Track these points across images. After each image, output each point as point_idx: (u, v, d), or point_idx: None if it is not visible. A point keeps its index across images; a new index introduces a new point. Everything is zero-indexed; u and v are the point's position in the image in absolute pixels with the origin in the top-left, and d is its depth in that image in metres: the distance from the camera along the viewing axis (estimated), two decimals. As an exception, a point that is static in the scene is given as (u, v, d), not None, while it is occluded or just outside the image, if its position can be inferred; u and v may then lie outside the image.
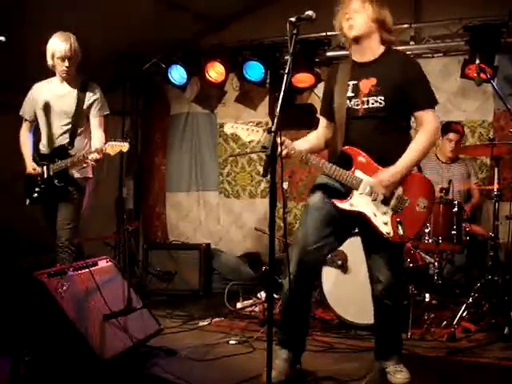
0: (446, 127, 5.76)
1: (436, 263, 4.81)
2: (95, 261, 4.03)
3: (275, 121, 2.76)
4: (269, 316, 2.69)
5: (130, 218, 7.45)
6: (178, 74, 6.93)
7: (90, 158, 4.27)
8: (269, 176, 2.67)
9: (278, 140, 2.74)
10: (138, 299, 4.12)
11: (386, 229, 3.19)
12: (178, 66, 6.85)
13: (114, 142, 4.30)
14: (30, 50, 4.35)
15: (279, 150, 2.91)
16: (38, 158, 4.54)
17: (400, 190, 3.23)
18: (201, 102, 7.28)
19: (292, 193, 6.80)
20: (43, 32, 4.37)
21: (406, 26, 6.27)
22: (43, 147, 4.56)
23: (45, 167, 4.45)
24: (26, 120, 4.61)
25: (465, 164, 5.77)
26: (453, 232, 4.72)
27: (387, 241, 3.21)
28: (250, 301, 5.57)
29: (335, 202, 3.24)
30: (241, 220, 7.37)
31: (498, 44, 5.76)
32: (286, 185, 4.92)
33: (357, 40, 3.28)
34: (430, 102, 3.30)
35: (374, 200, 3.20)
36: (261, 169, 6.98)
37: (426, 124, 3.25)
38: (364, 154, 3.23)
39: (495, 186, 4.60)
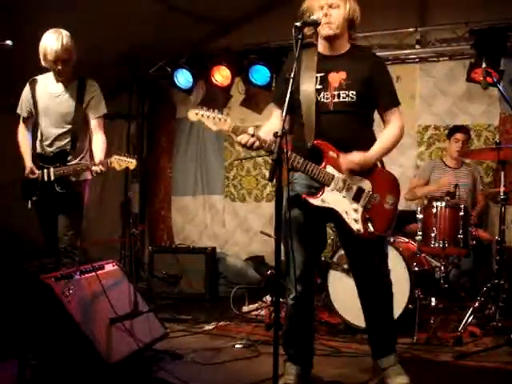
0: (453, 129, 5.80)
1: (442, 267, 4.79)
2: (101, 264, 4.03)
3: (281, 125, 2.74)
4: (275, 320, 2.69)
5: (136, 221, 7.46)
6: (183, 78, 6.95)
7: (93, 169, 4.20)
8: (275, 180, 2.66)
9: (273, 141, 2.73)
10: (143, 303, 4.12)
11: (356, 226, 3.16)
12: (184, 70, 6.88)
13: (120, 157, 4.25)
14: (31, 51, 4.25)
15: (251, 141, 2.96)
16: (39, 159, 4.34)
17: (369, 187, 3.20)
18: (206, 105, 7.26)
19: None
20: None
21: (411, 29, 6.30)
22: (41, 148, 4.38)
23: (45, 170, 4.27)
24: (23, 118, 4.40)
25: (471, 169, 5.77)
26: (459, 236, 4.72)
27: (359, 238, 3.20)
28: (256, 304, 5.57)
29: (307, 198, 3.17)
30: (246, 223, 7.38)
31: (504, 47, 5.76)
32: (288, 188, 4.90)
33: (328, 38, 3.19)
34: (397, 103, 3.28)
35: (345, 197, 3.16)
36: (266, 172, 6.99)
37: (394, 121, 3.24)
38: (335, 149, 3.16)
39: (501, 190, 4.59)
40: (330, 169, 3.16)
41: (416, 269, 4.73)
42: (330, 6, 3.11)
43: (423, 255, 4.97)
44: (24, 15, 4.38)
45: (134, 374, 3.70)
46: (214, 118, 3.10)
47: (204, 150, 7.56)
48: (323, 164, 3.15)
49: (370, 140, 3.26)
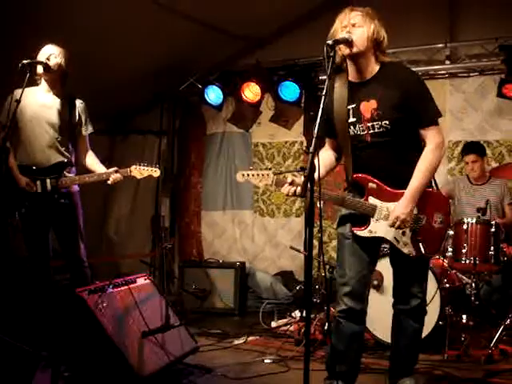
0: (463, 149, 5.73)
1: (473, 284, 4.75)
2: (134, 278, 4.09)
3: (313, 141, 2.74)
4: (306, 335, 2.71)
5: (166, 236, 7.53)
6: (214, 94, 7.02)
7: (112, 178, 4.21)
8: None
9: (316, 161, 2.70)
10: (175, 317, 4.16)
11: (407, 249, 3.19)
12: (215, 87, 6.95)
13: (141, 166, 4.29)
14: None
15: (292, 190, 3.11)
16: (26, 171, 4.19)
17: (414, 210, 3.19)
18: (236, 121, 7.36)
19: (327, 212, 6.82)
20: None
21: (441, 45, 6.29)
22: (26, 160, 4.22)
23: (38, 182, 4.16)
24: (8, 126, 3.81)
25: (498, 183, 5.67)
26: (490, 252, 4.66)
27: (418, 261, 3.23)
28: (285, 320, 5.57)
29: (354, 231, 3.23)
30: (275, 239, 7.41)
31: (534, 63, 5.72)
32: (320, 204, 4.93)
33: (352, 58, 3.15)
34: (433, 119, 3.21)
35: (392, 225, 3.16)
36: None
37: (429, 141, 3.19)
38: (374, 180, 3.19)
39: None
40: (371, 200, 3.20)
41: (447, 285, 4.71)
42: (353, 26, 3.11)
43: (454, 272, 4.93)
44: (59, 35, 4.48)
45: (165, 388, 3.75)
46: (258, 175, 3.29)
47: (233, 165, 7.62)
48: (365, 196, 3.21)
49: (412, 163, 3.19)
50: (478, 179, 5.61)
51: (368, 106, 3.16)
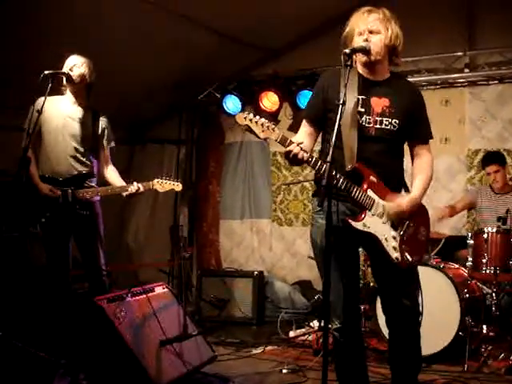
0: (484, 160, 5.68)
1: (494, 294, 4.70)
2: (152, 287, 4.10)
3: (330, 150, 2.73)
4: (324, 345, 2.69)
5: (185, 245, 7.54)
6: (232, 104, 7.04)
7: (131, 189, 4.22)
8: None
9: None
10: (193, 326, 4.17)
11: (395, 254, 3.07)
12: (233, 96, 6.97)
13: (164, 180, 4.31)
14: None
15: (301, 153, 2.89)
16: (49, 183, 4.21)
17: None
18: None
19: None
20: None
21: (460, 53, 6.27)
22: (48, 170, 4.25)
23: (59, 193, 4.17)
24: (29, 135, 3.82)
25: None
26: (511, 262, 4.61)
27: (396, 265, 3.10)
28: (303, 330, 5.55)
29: (350, 221, 3.05)
30: (293, 248, 7.39)
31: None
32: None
33: (368, 64, 3.09)
34: (429, 137, 3.24)
35: (384, 223, 3.08)
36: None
37: (426, 157, 3.20)
38: (375, 175, 3.08)
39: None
40: (370, 193, 3.07)
41: (467, 295, 4.65)
42: (371, 32, 3.04)
43: (474, 282, 4.88)
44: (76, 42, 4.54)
45: (183, 397, 3.75)
46: (262, 125, 2.94)
47: (252, 174, 7.64)
48: (364, 187, 3.06)
49: (401, 172, 3.22)
50: (501, 189, 5.56)
51: (379, 102, 3.10)
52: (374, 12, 3.08)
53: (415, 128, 3.16)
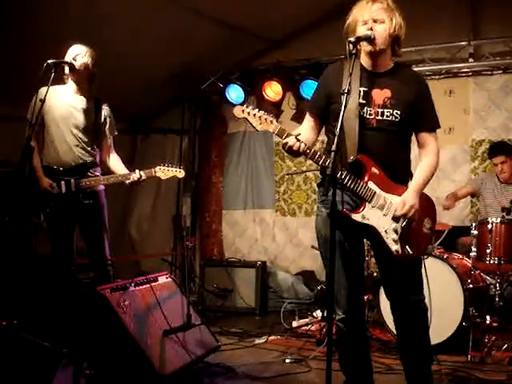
0: (490, 151, 5.64)
1: (497, 284, 4.70)
2: (155, 276, 4.10)
3: (335, 139, 2.72)
4: (328, 335, 2.68)
5: (187, 235, 7.55)
6: (235, 93, 7.02)
7: (134, 177, 4.21)
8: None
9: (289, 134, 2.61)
10: (196, 316, 4.17)
11: (394, 246, 3.05)
12: (236, 85, 6.96)
13: (166, 167, 4.29)
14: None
15: (298, 145, 2.89)
16: (51, 171, 4.22)
17: None
18: (257, 121, 7.35)
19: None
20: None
21: (464, 43, 6.24)
22: (52, 160, 4.25)
23: (62, 182, 4.18)
24: (32, 125, 3.77)
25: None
26: (515, 253, 4.61)
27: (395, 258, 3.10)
28: (306, 320, 5.56)
29: (349, 213, 3.04)
30: (296, 238, 7.39)
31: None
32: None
33: (372, 53, 3.08)
34: (436, 126, 3.21)
35: (385, 215, 3.06)
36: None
37: (431, 146, 3.17)
38: (377, 166, 3.07)
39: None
40: (371, 185, 3.06)
41: (470, 286, 4.65)
42: (375, 21, 3.02)
43: (478, 272, 4.88)
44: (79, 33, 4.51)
45: (187, 387, 3.76)
46: (260, 118, 2.98)
47: (255, 164, 7.63)
48: (365, 179, 3.05)
49: (407, 163, 3.20)
50: (508, 179, 5.53)
51: (381, 94, 3.10)
52: (378, 2, 3.06)
53: (419, 118, 3.15)
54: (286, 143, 2.95)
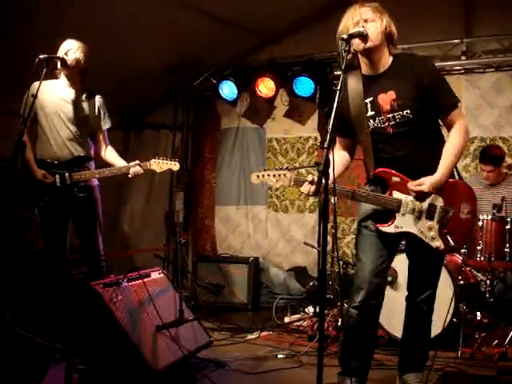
0: (482, 155, 5.51)
1: (488, 281, 4.73)
2: (148, 272, 4.12)
3: (328, 136, 2.73)
4: (319, 331, 2.70)
5: (180, 230, 7.56)
6: (228, 89, 7.02)
7: (133, 171, 4.23)
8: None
9: (330, 156, 2.66)
10: (189, 311, 4.18)
11: (435, 243, 3.15)
12: (229, 82, 6.95)
13: (160, 160, 4.29)
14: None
15: (313, 188, 3.03)
16: (48, 166, 4.24)
17: (441, 202, 3.16)
18: (250, 116, 7.37)
19: (340, 207, 6.80)
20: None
21: (457, 41, 6.25)
22: (47, 154, 4.27)
23: (57, 176, 4.21)
24: (25, 120, 3.80)
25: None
26: (505, 249, 4.63)
27: (437, 254, 3.20)
28: (298, 315, 5.59)
29: (379, 227, 3.17)
30: (289, 234, 7.40)
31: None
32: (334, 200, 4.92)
33: (366, 52, 3.12)
34: (454, 104, 3.19)
35: (418, 217, 3.13)
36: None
37: (456, 124, 3.16)
38: (397, 174, 3.14)
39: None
40: (396, 194, 3.14)
41: (461, 282, 4.68)
42: (366, 21, 3.08)
43: (468, 269, 4.91)
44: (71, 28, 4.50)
45: (179, 381, 3.77)
46: (274, 176, 3.20)
47: (247, 160, 7.63)
48: (389, 191, 3.15)
49: (432, 154, 3.18)
50: (493, 182, 5.50)
51: (387, 98, 3.12)
52: (366, 6, 3.14)
53: (434, 104, 3.14)
54: (304, 192, 3.15)
